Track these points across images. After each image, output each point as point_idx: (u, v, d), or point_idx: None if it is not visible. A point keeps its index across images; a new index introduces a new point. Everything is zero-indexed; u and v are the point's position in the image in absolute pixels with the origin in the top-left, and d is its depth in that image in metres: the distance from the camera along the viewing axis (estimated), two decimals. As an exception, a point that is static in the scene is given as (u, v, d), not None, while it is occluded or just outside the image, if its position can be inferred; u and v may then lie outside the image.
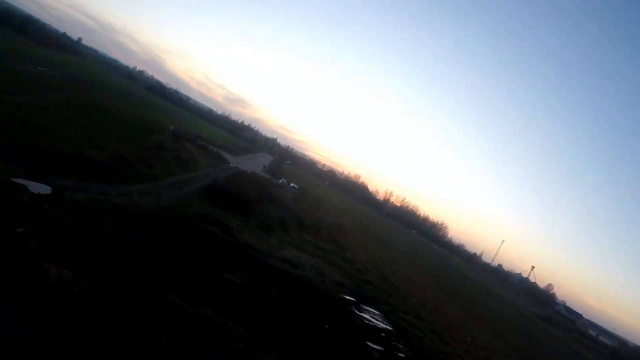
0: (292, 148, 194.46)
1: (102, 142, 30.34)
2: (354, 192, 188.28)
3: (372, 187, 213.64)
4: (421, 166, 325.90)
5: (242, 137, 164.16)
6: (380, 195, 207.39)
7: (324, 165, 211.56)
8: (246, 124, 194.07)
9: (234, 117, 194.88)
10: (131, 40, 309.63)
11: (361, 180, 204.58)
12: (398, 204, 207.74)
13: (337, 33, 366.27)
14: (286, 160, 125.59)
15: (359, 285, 29.44)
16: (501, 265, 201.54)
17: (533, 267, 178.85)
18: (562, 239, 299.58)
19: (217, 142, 79.75)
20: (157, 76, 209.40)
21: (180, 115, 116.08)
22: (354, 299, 25.49)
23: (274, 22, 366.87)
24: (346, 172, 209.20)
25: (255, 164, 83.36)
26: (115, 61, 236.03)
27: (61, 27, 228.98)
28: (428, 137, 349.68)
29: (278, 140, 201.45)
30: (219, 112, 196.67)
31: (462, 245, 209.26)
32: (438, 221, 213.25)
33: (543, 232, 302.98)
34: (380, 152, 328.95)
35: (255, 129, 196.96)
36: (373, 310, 25.28)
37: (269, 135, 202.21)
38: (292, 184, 67.67)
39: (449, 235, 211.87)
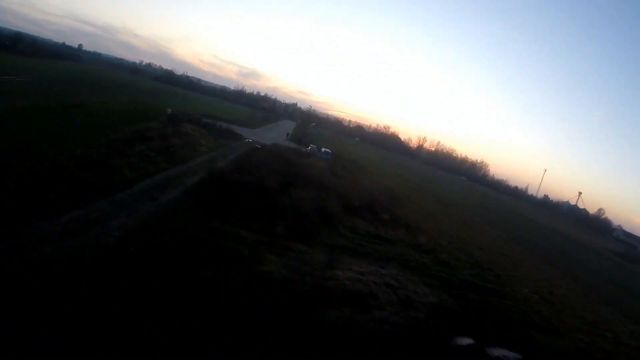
0: (314, 110, 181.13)
1: (39, 150, 19.67)
2: (386, 143, 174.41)
3: (403, 136, 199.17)
4: (449, 106, 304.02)
5: (260, 108, 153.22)
6: (414, 143, 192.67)
7: (349, 121, 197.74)
8: (262, 95, 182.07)
9: (249, 90, 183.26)
10: (134, 37, 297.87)
11: (391, 130, 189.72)
12: (433, 149, 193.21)
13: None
14: (311, 124, 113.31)
15: (461, 296, 18.03)
16: (547, 196, 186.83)
17: (580, 193, 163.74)
18: (602, 160, 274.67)
19: (230, 117, 68.40)
20: (167, 66, 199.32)
21: (191, 97, 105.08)
22: (472, 341, 14.14)
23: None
24: (374, 125, 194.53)
25: (276, 133, 71.77)
26: (120, 59, 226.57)
27: (62, 39, 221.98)
28: (451, 75, 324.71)
29: (298, 105, 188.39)
30: (233, 88, 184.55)
31: (505, 182, 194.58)
32: (477, 160, 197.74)
33: (582, 155, 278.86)
34: (405, 99, 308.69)
35: (273, 97, 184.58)
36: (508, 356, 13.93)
37: (287, 102, 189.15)
38: (323, 149, 55.89)
39: (491, 173, 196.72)
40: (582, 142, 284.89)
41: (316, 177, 31.23)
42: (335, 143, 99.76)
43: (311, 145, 56.40)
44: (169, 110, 49.90)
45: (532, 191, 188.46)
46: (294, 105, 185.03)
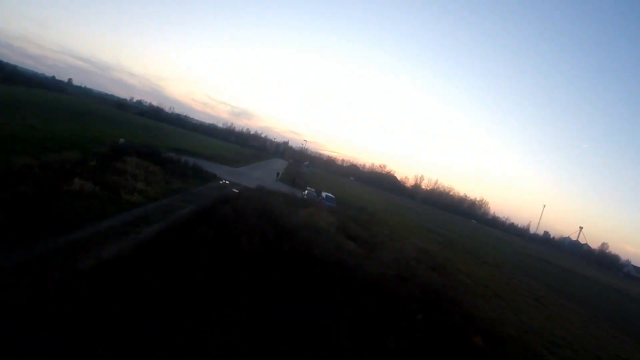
0: (307, 148, 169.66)
1: None
2: (382, 183, 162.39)
3: (399, 175, 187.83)
4: (444, 144, 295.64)
5: (250, 146, 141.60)
6: (411, 182, 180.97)
7: (342, 160, 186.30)
8: (252, 133, 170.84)
9: (240, 128, 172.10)
10: (128, 75, 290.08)
11: (387, 169, 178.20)
12: (430, 188, 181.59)
13: (331, 27, 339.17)
14: (304, 162, 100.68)
15: None
16: (547, 232, 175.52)
17: (581, 228, 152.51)
18: (599, 193, 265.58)
19: (210, 154, 55.06)
20: (159, 104, 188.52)
21: (173, 133, 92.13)
22: None
23: (263, 31, 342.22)
24: (369, 164, 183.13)
25: (265, 172, 58.45)
26: (111, 96, 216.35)
27: (57, 74, 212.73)
28: (446, 112, 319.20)
29: (290, 144, 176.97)
30: (221, 126, 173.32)
31: (506, 220, 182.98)
32: (476, 198, 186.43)
33: (579, 189, 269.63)
34: (399, 136, 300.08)
35: (264, 136, 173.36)
36: None
37: (279, 140, 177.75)
38: (324, 193, 42.43)
39: (491, 211, 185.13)
40: (578, 176, 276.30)
41: (326, 245, 17.62)
42: (331, 183, 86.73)
43: (308, 188, 43.08)
44: (122, 141, 36.65)
45: (532, 228, 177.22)
46: (286, 143, 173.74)
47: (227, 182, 34.75)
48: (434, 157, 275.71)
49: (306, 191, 40.32)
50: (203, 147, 66.66)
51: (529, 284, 36.63)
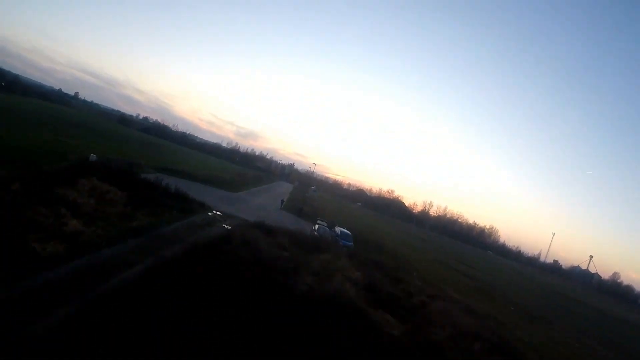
0: (313, 172, 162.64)
1: None
2: (390, 209, 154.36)
3: (407, 201, 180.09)
4: (452, 170, 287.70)
5: (255, 167, 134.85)
6: (419, 208, 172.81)
7: (349, 184, 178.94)
8: (257, 154, 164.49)
9: (245, 149, 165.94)
10: (136, 91, 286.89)
11: (395, 195, 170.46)
12: (439, 215, 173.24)
13: (339, 51, 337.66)
14: (311, 187, 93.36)
15: None
16: (557, 261, 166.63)
17: (591, 257, 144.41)
18: (609, 221, 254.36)
19: (206, 175, 47.80)
20: (165, 121, 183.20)
21: (171, 150, 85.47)
22: None
23: (271, 53, 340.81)
24: (376, 189, 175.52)
25: (268, 199, 50.97)
26: (117, 111, 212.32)
27: (65, 87, 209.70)
28: (454, 138, 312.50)
29: (295, 166, 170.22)
30: (227, 145, 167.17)
31: (516, 249, 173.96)
32: (485, 226, 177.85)
33: (585, 217, 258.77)
34: (406, 161, 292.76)
35: (269, 157, 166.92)
36: None
37: (284, 162, 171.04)
38: (339, 228, 34.60)
39: (501, 239, 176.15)
40: (586, 204, 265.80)
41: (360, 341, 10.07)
42: (339, 210, 79.06)
43: (319, 221, 35.19)
44: (93, 157, 29.48)
45: (542, 257, 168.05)
46: (291, 166, 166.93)
47: (218, 213, 27.24)
48: (443, 184, 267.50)
49: (317, 225, 32.68)
50: (201, 168, 59.53)
51: (592, 348, 28.42)
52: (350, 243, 31.11)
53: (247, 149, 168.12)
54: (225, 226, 23.43)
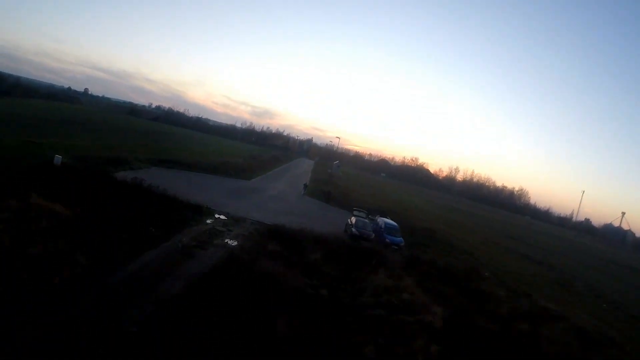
0: (332, 145, 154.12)
1: None
2: (415, 178, 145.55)
3: (432, 168, 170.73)
4: (477, 132, 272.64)
5: (272, 146, 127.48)
6: (444, 174, 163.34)
7: (370, 155, 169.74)
8: (274, 132, 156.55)
9: (260, 128, 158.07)
10: (147, 82, 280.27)
11: (419, 162, 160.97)
12: (465, 179, 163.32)
13: (354, 20, 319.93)
14: (334, 162, 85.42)
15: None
16: (589, 219, 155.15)
17: (624, 214, 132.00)
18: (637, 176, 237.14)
19: (210, 162, 40.62)
20: (178, 108, 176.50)
21: (183, 137, 78.69)
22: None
23: (281, 28, 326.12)
24: (398, 159, 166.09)
25: (288, 182, 43.65)
26: (129, 103, 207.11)
27: (76, 86, 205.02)
28: (477, 101, 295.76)
29: (314, 141, 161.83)
30: (242, 126, 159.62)
31: (548, 209, 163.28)
32: (514, 188, 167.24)
33: (619, 173, 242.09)
34: (428, 127, 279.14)
35: (286, 134, 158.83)
36: None
37: (302, 138, 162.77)
38: (381, 219, 26.37)
39: (532, 201, 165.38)
40: (616, 159, 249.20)
41: None
42: (365, 185, 71.30)
43: (356, 212, 26.71)
44: (58, 158, 22.43)
45: (574, 216, 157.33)
46: (309, 141, 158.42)
47: (222, 217, 20.00)
48: (468, 148, 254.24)
49: (354, 219, 24.88)
50: (211, 153, 52.42)
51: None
52: (399, 239, 23.51)
53: (263, 127, 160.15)
54: (229, 242, 16.13)
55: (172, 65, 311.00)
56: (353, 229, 23.08)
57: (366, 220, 24.92)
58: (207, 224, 18.24)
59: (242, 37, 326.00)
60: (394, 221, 26.32)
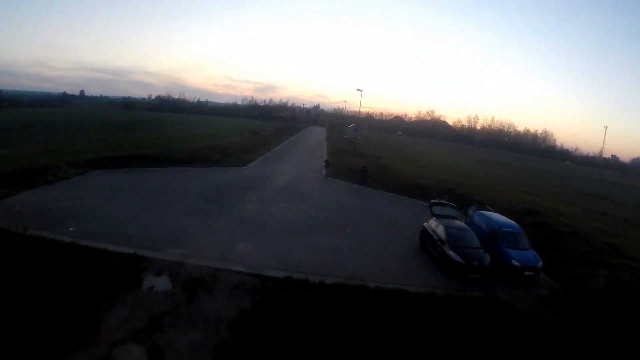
0: (340, 109, 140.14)
1: None
2: (434, 132, 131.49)
3: (451, 120, 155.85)
4: (490, 76, 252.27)
5: (278, 118, 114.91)
6: (462, 124, 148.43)
7: (381, 114, 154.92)
8: (277, 103, 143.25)
9: (262, 102, 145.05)
10: (145, 75, 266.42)
11: (435, 115, 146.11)
12: (487, 127, 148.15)
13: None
14: (349, 126, 72.73)
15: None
16: (615, 156, 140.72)
17: None
18: None
19: (190, 150, 28.42)
20: (177, 94, 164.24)
21: (174, 123, 66.67)
22: None
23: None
24: (412, 114, 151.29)
25: (300, 160, 31.32)
26: (128, 98, 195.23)
27: (72, 90, 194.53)
28: (486, 43, 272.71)
29: (321, 108, 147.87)
30: (243, 102, 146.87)
31: (574, 150, 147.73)
32: (536, 131, 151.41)
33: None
34: (440, 78, 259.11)
35: (291, 104, 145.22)
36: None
37: (308, 106, 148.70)
38: (488, 217, 13.52)
39: (559, 143, 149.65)
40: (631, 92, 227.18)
41: None
42: (389, 145, 58.68)
43: (437, 208, 13.35)
44: None
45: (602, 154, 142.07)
46: (317, 107, 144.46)
47: (162, 282, 7.98)
48: (484, 95, 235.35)
49: (436, 223, 12.35)
50: (199, 137, 40.13)
51: None
52: (529, 254, 11.54)
53: (266, 101, 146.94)
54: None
55: (169, 54, 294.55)
56: (450, 252, 10.83)
57: (463, 226, 12.44)
58: (135, 306, 6.29)
59: (236, 15, 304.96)
60: (521, 229, 13.33)
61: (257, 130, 51.31)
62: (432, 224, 12.56)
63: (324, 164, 25.54)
